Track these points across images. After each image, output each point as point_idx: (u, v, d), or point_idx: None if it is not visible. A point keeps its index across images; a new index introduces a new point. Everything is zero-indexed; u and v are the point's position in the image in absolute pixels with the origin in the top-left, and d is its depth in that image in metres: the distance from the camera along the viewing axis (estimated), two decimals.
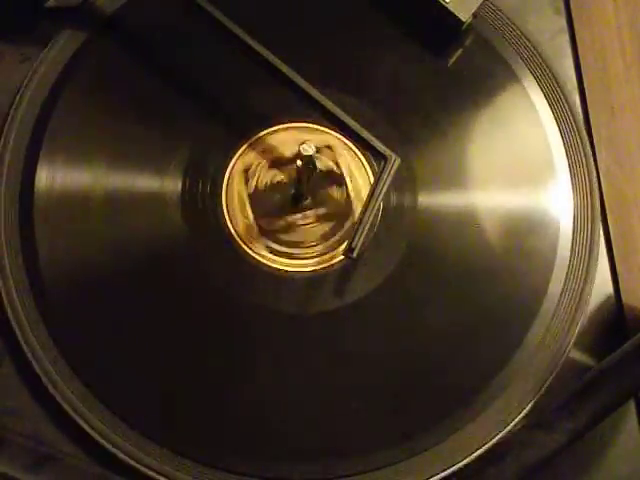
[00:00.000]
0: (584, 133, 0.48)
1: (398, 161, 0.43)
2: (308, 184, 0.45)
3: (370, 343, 0.44)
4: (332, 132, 0.47)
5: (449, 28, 0.49)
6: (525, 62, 0.49)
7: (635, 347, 0.41)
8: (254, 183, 0.47)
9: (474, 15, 0.48)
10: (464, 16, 0.48)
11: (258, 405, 0.42)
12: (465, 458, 0.41)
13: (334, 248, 0.45)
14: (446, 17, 0.48)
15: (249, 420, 0.42)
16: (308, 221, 0.46)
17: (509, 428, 0.42)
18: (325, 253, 0.45)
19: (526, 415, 0.42)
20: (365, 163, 0.47)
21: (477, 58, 0.50)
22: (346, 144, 0.47)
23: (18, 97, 0.46)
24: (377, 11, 0.50)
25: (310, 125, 0.48)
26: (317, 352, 0.43)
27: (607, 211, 0.48)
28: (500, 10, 0.50)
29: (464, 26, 0.48)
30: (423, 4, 0.48)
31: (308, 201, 0.46)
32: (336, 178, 0.47)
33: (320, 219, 0.46)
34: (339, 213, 0.46)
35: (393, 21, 0.50)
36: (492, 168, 0.48)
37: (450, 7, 0.48)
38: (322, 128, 0.47)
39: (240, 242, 0.45)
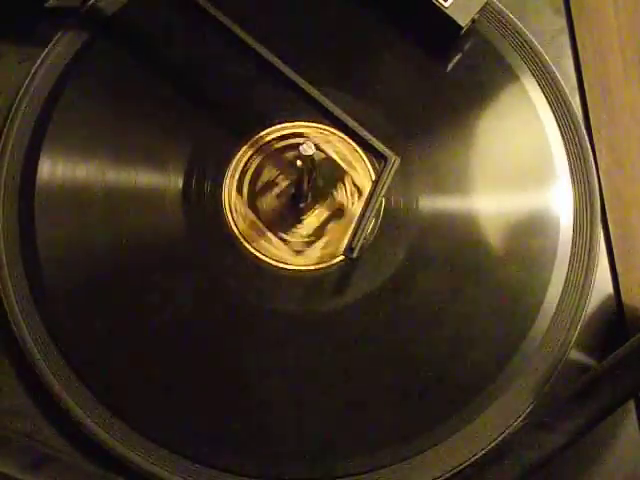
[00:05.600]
0: (584, 133, 0.48)
1: (398, 161, 0.43)
2: (308, 184, 0.45)
3: (370, 343, 0.44)
4: (333, 132, 0.47)
5: (448, 32, 0.49)
6: (525, 62, 0.49)
7: (635, 347, 0.41)
8: (255, 182, 0.47)
9: (473, 20, 0.48)
10: (463, 21, 0.48)
11: (258, 405, 0.42)
12: (465, 459, 0.41)
13: (334, 248, 0.45)
14: (445, 22, 0.48)
15: (249, 420, 0.42)
16: (309, 220, 0.46)
17: (509, 428, 0.42)
18: (326, 253, 0.45)
19: (526, 415, 0.42)
20: (367, 163, 0.47)
21: (477, 58, 0.50)
22: (348, 144, 0.47)
23: (18, 97, 0.46)
24: (378, 13, 0.50)
25: (310, 125, 0.48)
26: (317, 352, 0.43)
27: (607, 211, 0.48)
28: (500, 10, 0.50)
29: (463, 31, 0.48)
30: (423, 8, 0.48)
31: (308, 200, 0.46)
32: (337, 178, 0.47)
33: (320, 218, 0.46)
34: (340, 212, 0.46)
35: (393, 23, 0.50)
36: (492, 168, 0.48)
37: (449, 12, 0.48)
38: (323, 128, 0.47)
39: (241, 241, 0.45)
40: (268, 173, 0.47)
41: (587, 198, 0.47)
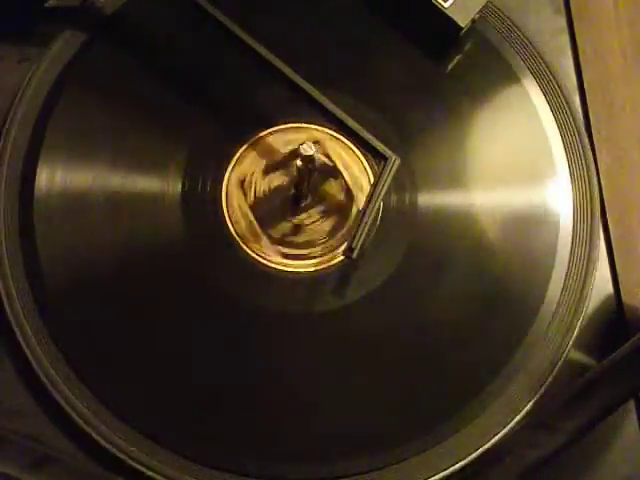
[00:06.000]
0: (584, 133, 0.48)
1: (398, 161, 0.43)
2: (308, 184, 0.45)
3: (370, 343, 0.44)
4: (332, 132, 0.47)
5: (448, 32, 0.49)
6: (525, 62, 0.49)
7: (635, 347, 0.41)
8: (254, 183, 0.47)
9: (473, 20, 0.48)
10: (463, 21, 0.48)
11: (258, 405, 0.42)
12: (465, 458, 0.41)
13: (335, 248, 0.45)
14: (445, 22, 0.48)
15: (249, 420, 0.42)
16: (309, 221, 0.46)
17: (509, 428, 0.42)
18: (326, 253, 0.45)
19: (526, 415, 0.42)
20: (365, 163, 0.47)
21: (477, 58, 0.50)
22: (347, 144, 0.47)
23: (18, 97, 0.46)
24: (377, 14, 0.50)
25: (311, 126, 0.48)
26: (317, 352, 0.43)
27: (607, 211, 0.48)
28: (500, 10, 0.50)
29: (463, 31, 0.48)
30: (423, 8, 0.48)
31: (308, 201, 0.46)
32: (336, 178, 0.47)
33: (321, 219, 0.46)
34: (340, 213, 0.46)
35: (393, 24, 0.50)
36: (492, 168, 0.48)
37: (449, 12, 0.48)
38: (323, 129, 0.47)
39: (240, 242, 0.45)
40: (267, 174, 0.47)
41: (587, 198, 0.47)
